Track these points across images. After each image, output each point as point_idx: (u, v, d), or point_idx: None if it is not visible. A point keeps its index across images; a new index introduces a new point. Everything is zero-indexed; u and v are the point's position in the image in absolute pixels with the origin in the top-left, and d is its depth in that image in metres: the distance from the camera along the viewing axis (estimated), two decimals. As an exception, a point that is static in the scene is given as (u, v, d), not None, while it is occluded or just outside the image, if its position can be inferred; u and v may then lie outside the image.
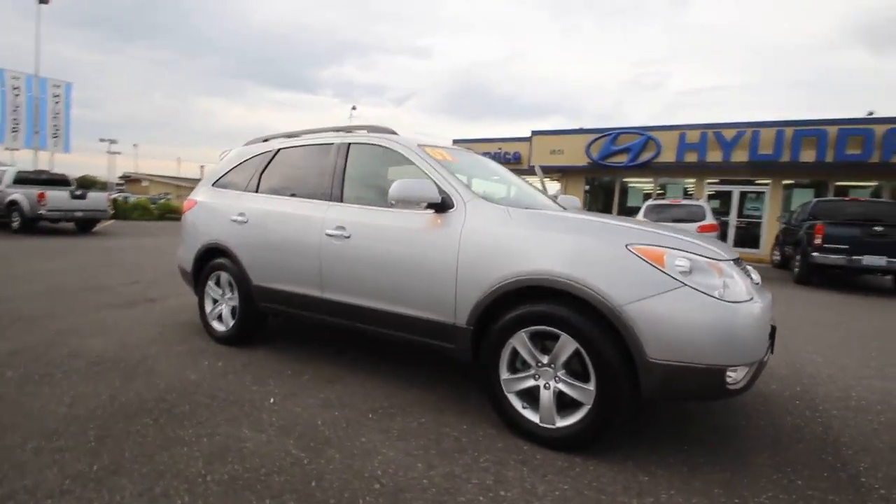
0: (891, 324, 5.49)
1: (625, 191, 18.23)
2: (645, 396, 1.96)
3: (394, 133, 3.05)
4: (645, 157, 16.00)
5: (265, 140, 3.77)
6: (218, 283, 3.54)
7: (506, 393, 2.23)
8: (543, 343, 2.15)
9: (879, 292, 8.08)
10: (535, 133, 18.62)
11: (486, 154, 21.69)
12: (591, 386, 2.00)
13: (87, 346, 3.29)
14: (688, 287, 1.88)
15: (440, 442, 2.15)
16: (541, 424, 2.12)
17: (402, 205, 2.57)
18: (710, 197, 15.85)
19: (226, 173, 3.74)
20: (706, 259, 1.97)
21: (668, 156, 15.76)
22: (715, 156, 14.79)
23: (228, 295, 3.49)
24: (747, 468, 2.05)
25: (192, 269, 3.66)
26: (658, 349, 1.87)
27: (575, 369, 2.07)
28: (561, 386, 2.09)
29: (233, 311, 3.45)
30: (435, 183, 2.51)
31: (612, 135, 16.49)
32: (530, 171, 19.10)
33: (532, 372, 2.17)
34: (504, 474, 1.90)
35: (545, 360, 2.12)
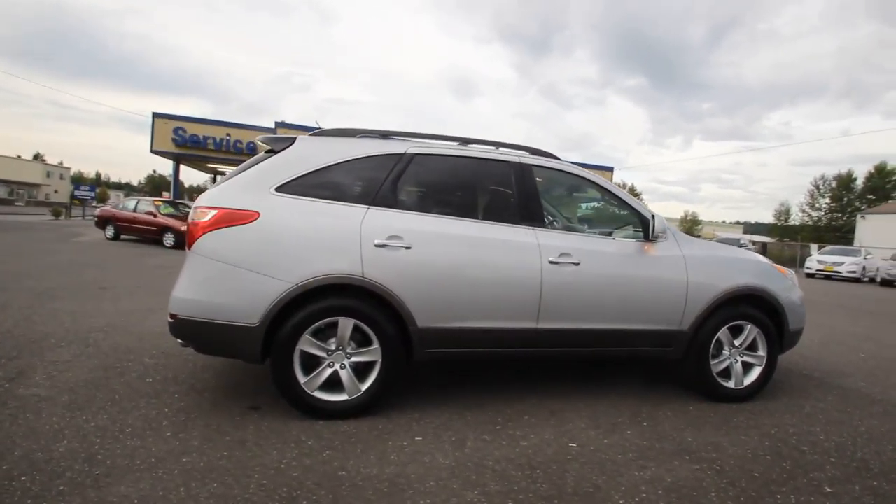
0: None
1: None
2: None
3: (556, 157, 3.14)
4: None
5: (358, 136, 2.84)
6: (323, 337, 2.49)
7: (713, 373, 3.07)
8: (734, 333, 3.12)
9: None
10: (280, 125, 17.34)
11: (208, 139, 18.88)
12: (763, 352, 3.16)
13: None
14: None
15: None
16: (735, 389, 3.11)
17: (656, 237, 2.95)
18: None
19: (304, 175, 2.58)
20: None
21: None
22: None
23: (352, 349, 2.53)
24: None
25: (264, 320, 2.38)
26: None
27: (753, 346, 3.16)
28: (745, 359, 3.14)
29: (356, 371, 2.55)
30: (642, 214, 3.00)
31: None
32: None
33: (726, 353, 3.11)
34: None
35: (738, 342, 3.12)
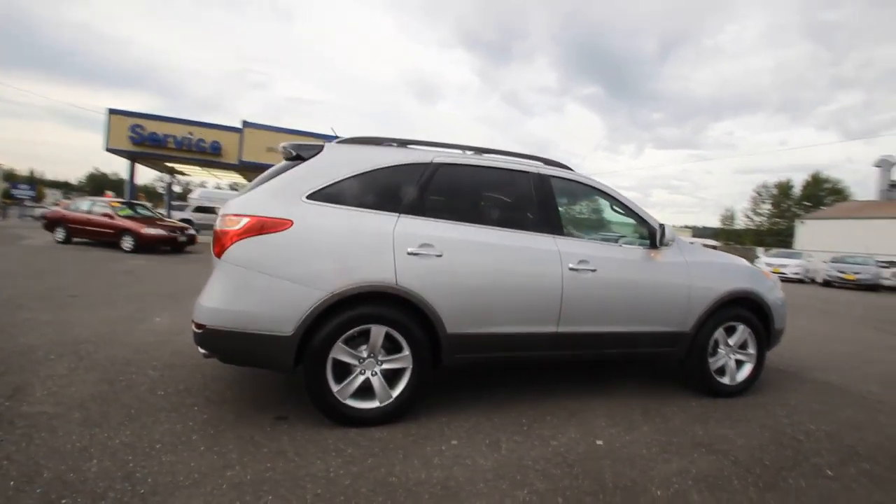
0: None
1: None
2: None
3: (569, 168, 3.28)
4: (364, 167, 17.67)
5: (383, 144, 2.87)
6: (354, 345, 2.51)
7: (711, 370, 3.29)
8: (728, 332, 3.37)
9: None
10: (248, 125, 16.72)
11: (168, 137, 18.12)
12: (753, 350, 3.42)
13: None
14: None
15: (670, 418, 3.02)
16: (729, 385, 3.35)
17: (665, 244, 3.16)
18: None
19: (335, 183, 2.57)
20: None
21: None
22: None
23: (382, 356, 2.55)
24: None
25: (298, 329, 2.37)
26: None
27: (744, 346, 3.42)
28: (738, 357, 3.39)
29: (386, 378, 2.57)
30: (650, 223, 3.19)
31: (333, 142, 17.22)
32: (239, 167, 17.09)
33: (722, 352, 3.35)
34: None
35: (731, 341, 3.36)
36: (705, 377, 3.29)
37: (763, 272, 3.63)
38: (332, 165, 2.62)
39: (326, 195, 2.53)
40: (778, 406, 3.23)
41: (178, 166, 20.84)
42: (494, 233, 2.80)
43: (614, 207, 3.28)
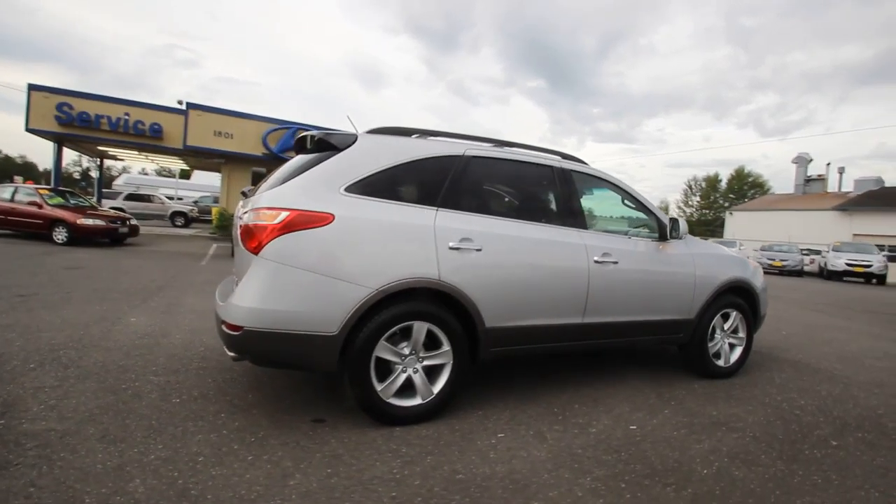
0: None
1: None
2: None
3: (584, 162, 3.36)
4: (322, 155, 17.02)
5: (413, 136, 2.79)
6: (395, 342, 2.45)
7: (710, 354, 3.54)
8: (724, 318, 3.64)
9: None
10: (191, 106, 15.53)
11: (101, 118, 16.72)
12: (743, 334, 3.71)
13: None
14: None
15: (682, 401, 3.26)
16: (724, 367, 3.62)
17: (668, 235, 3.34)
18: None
19: (371, 175, 2.48)
20: None
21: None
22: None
23: (423, 353, 2.52)
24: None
25: (343, 328, 2.28)
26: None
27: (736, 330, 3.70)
28: (731, 341, 3.67)
29: (427, 374, 2.55)
30: (659, 217, 3.36)
31: (293, 128, 16.42)
32: (185, 152, 15.90)
33: (718, 337, 3.61)
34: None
35: (726, 327, 3.63)
36: (705, 361, 3.54)
37: (748, 260, 3.94)
38: (369, 156, 2.51)
39: (363, 188, 2.43)
40: (768, 385, 3.54)
41: (111, 150, 19.04)
42: (527, 227, 2.82)
43: (626, 201, 3.41)
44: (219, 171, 21.13)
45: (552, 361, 3.71)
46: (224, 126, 15.89)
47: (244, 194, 2.99)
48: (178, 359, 3.27)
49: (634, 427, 2.63)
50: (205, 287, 6.27)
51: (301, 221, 2.24)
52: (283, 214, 2.23)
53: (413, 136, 2.80)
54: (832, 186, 34.69)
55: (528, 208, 3.03)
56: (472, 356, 2.64)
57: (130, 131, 15.75)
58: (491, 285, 2.61)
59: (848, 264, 15.85)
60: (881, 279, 15.70)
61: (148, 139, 15.93)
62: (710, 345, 3.55)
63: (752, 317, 3.78)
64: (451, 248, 2.50)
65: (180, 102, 16.94)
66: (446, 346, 2.53)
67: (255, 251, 2.23)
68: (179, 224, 21.65)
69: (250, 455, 2.06)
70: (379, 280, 2.31)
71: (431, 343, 2.54)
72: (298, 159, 2.64)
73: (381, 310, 2.34)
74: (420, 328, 2.45)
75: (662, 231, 3.34)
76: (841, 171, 34.94)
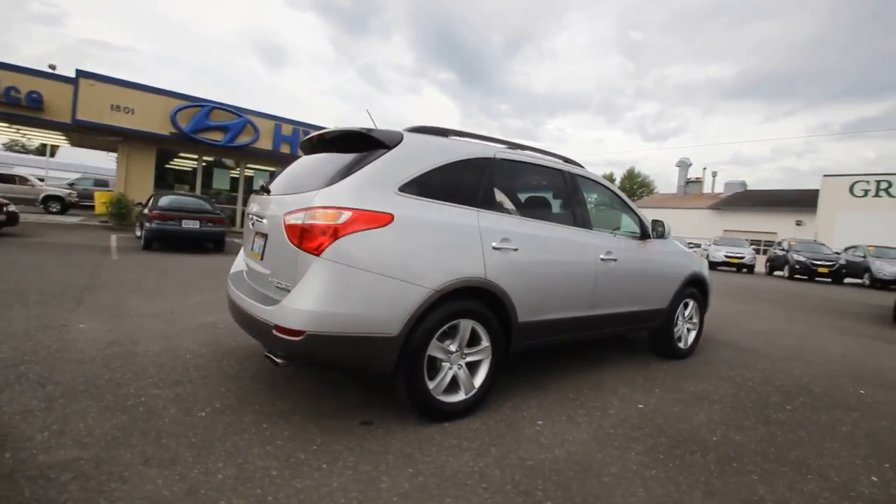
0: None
1: (209, 172, 16.85)
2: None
3: (581, 166, 3.64)
4: (243, 140, 15.74)
5: (450, 136, 2.82)
6: (442, 339, 2.52)
7: (676, 335, 4.07)
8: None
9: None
10: (82, 74, 13.37)
11: None
12: (697, 319, 4.32)
13: None
14: None
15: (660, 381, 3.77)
16: (684, 349, 4.19)
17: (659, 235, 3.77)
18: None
19: (420, 175, 2.48)
20: None
21: (265, 143, 16.32)
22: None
23: (466, 349, 2.62)
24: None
25: (404, 329, 2.28)
26: None
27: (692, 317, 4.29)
28: (688, 325, 4.25)
29: (469, 369, 2.66)
30: (641, 218, 3.78)
31: (207, 107, 14.94)
32: (73, 127, 13.68)
33: (679, 323, 4.16)
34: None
35: (686, 314, 4.21)
36: (671, 344, 4.07)
37: (696, 255, 4.59)
38: (420, 156, 2.52)
39: (413, 187, 2.44)
40: (719, 363, 4.18)
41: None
42: (551, 227, 3.04)
43: (614, 204, 3.78)
44: (112, 150, 18.55)
45: (542, 354, 3.99)
46: (123, 99, 13.96)
47: (265, 190, 2.78)
48: (171, 369, 2.96)
49: (642, 406, 2.98)
50: (141, 286, 5.59)
51: (364, 221, 2.19)
52: (346, 214, 2.17)
53: (450, 136, 2.84)
54: (707, 188, 40.34)
55: (548, 209, 3.24)
56: (507, 348, 2.79)
57: (4, 100, 13.17)
58: (524, 283, 2.77)
59: (727, 256, 18.68)
60: (750, 269, 18.79)
61: (23, 109, 13.48)
62: (675, 330, 4.10)
63: (703, 304, 4.42)
64: (494, 248, 2.61)
65: (52, 67, 14.57)
66: (486, 342, 2.65)
67: (316, 252, 2.14)
68: (55, 210, 18.26)
69: (323, 463, 2.00)
70: (437, 280, 2.35)
71: (472, 339, 2.63)
72: (332, 157, 2.55)
73: (435, 309, 2.39)
74: (466, 326, 2.54)
75: (644, 230, 3.76)
76: (714, 174, 40.81)
